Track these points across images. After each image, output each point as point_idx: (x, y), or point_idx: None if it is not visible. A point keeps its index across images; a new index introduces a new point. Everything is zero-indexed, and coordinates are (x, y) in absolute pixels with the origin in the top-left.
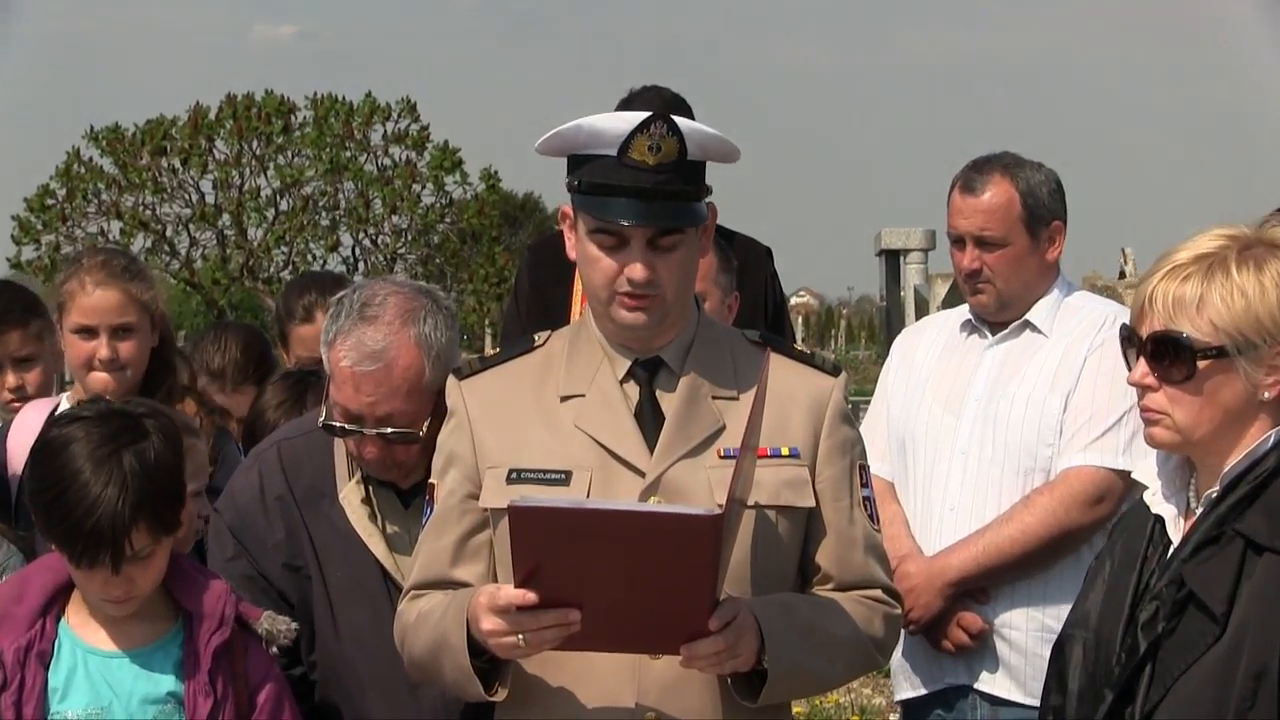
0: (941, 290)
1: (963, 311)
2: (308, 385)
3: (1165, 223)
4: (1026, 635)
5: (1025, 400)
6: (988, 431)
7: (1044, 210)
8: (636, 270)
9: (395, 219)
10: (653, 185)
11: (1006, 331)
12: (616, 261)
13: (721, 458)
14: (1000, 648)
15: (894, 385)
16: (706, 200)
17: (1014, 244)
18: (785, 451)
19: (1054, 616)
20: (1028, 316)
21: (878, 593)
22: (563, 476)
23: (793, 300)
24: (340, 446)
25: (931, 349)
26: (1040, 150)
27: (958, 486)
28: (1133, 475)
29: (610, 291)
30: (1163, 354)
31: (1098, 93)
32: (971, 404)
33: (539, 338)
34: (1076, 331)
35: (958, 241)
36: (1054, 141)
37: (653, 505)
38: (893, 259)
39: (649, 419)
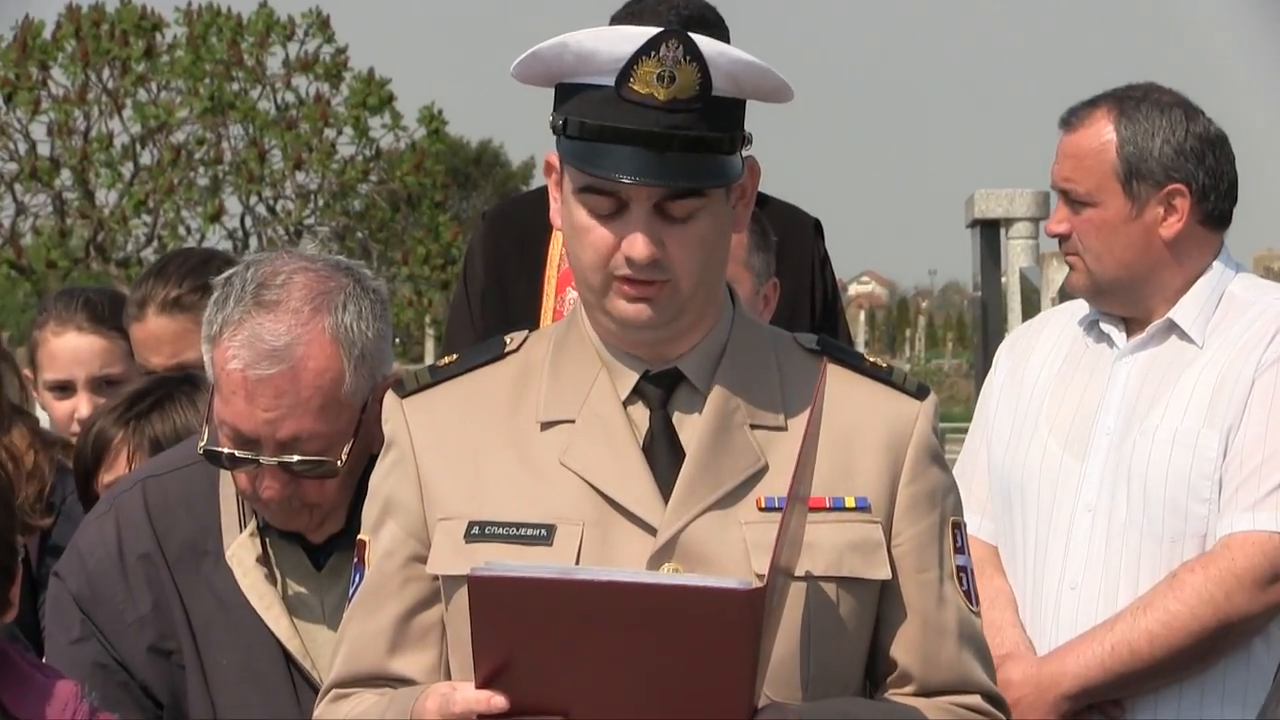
0: (1058, 276)
1: (1085, 305)
2: (158, 401)
3: None
4: None
5: (1170, 438)
6: (1121, 481)
7: (1153, 167)
8: (636, 245)
9: (301, 176)
10: (663, 129)
11: (1144, 336)
12: (613, 233)
13: (762, 510)
14: None
15: (999, 412)
16: (745, 154)
17: (1102, 204)
18: (850, 503)
19: None
20: (1172, 315)
21: (975, 699)
22: (543, 533)
23: (852, 290)
24: (228, 484)
25: (1050, 360)
26: (1193, 83)
27: (1081, 557)
28: None
29: (604, 275)
30: None
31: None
32: (1100, 440)
33: (511, 340)
34: (1241, 340)
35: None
36: (1214, 71)
37: (668, 576)
38: (990, 232)
39: (663, 455)
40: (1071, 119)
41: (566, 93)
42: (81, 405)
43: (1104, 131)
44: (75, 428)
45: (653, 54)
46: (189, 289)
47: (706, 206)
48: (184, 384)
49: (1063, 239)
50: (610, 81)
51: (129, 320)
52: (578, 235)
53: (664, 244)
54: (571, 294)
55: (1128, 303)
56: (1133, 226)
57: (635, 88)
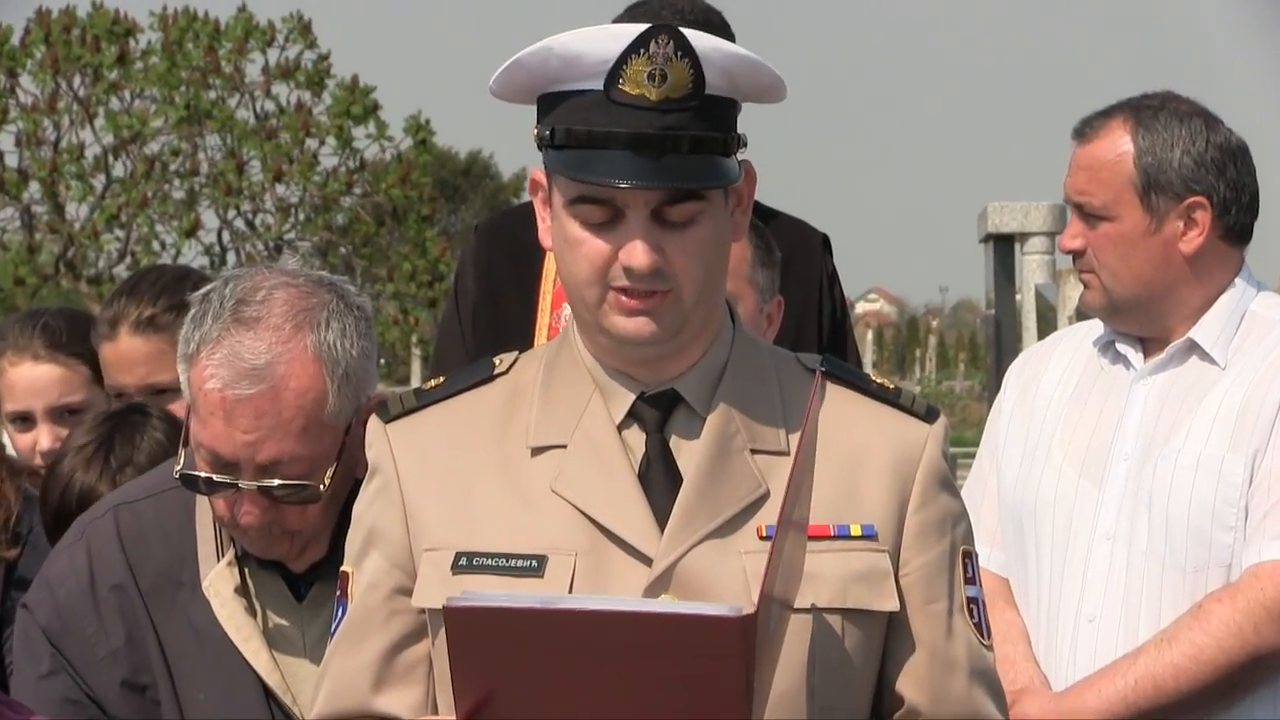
0: (1075, 293)
1: (1100, 325)
2: (119, 430)
3: None
4: None
5: (1193, 463)
6: (1142, 508)
7: (1173, 178)
8: (637, 253)
9: (281, 189)
10: (657, 130)
11: (1163, 357)
12: (609, 243)
13: (763, 538)
14: None
15: (1009, 437)
16: (739, 157)
17: (1118, 218)
18: (856, 531)
19: None
20: (1192, 335)
21: None
22: (533, 564)
23: (859, 308)
24: (205, 511)
25: (1063, 382)
26: (1213, 94)
27: (1099, 588)
28: None
29: (601, 289)
30: None
31: None
32: (1118, 465)
33: (501, 362)
34: (1265, 361)
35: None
36: (1235, 82)
37: (654, 603)
38: (1004, 247)
39: (659, 481)
40: (1086, 130)
41: (550, 102)
42: (42, 437)
43: (1120, 142)
44: (39, 459)
45: (642, 51)
46: (163, 308)
47: (706, 210)
48: (137, 412)
49: (1077, 255)
50: (598, 85)
51: (99, 340)
52: (571, 249)
53: (664, 251)
54: (567, 310)
55: (1145, 322)
56: (1151, 241)
57: (625, 89)
